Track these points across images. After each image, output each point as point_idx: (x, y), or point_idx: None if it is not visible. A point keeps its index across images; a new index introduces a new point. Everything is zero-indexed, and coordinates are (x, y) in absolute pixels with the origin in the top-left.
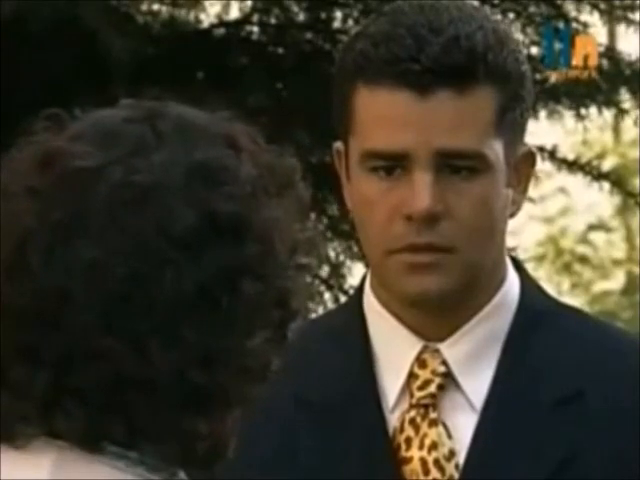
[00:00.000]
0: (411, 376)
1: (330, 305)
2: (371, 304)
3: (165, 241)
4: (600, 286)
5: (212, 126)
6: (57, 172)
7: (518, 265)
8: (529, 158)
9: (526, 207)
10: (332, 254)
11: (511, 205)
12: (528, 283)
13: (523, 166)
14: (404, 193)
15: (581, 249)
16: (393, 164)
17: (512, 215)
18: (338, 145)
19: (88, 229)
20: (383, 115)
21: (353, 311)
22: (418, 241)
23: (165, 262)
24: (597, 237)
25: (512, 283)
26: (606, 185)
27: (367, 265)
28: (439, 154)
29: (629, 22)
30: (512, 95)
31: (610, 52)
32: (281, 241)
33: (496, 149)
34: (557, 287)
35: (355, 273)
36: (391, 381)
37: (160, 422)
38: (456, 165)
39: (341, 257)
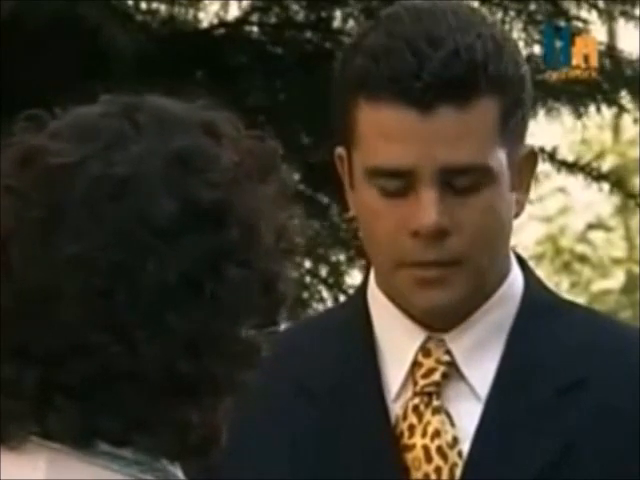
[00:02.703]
0: (415, 365)
1: (330, 304)
2: (375, 297)
3: (146, 231)
4: (599, 285)
5: (191, 115)
6: (35, 170)
7: (521, 261)
8: (531, 158)
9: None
10: (331, 254)
11: (515, 206)
12: (532, 279)
13: (525, 166)
14: (410, 208)
15: (580, 248)
16: (398, 180)
17: (517, 215)
18: (340, 151)
19: (68, 225)
20: (386, 132)
21: (357, 304)
22: (426, 258)
23: (147, 252)
24: (596, 236)
25: (516, 276)
26: (606, 186)
27: (366, 267)
28: (444, 170)
29: (629, 17)
30: (514, 100)
31: (611, 51)
32: (266, 226)
33: (500, 157)
34: (556, 286)
35: (354, 273)
36: (395, 370)
37: (152, 413)
38: (461, 179)
39: (341, 258)
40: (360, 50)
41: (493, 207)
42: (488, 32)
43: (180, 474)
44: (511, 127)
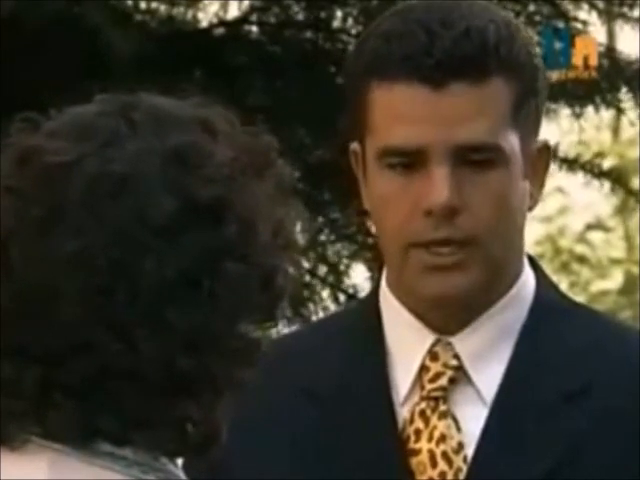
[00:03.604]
0: (423, 369)
1: (329, 304)
2: (386, 298)
3: (145, 229)
4: (598, 285)
5: (186, 112)
6: (34, 170)
7: (533, 262)
8: (545, 152)
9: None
10: (330, 253)
11: (529, 199)
12: (543, 280)
13: (539, 160)
14: (422, 188)
15: (579, 248)
16: (410, 160)
17: (530, 209)
18: (354, 146)
19: (67, 223)
20: (398, 111)
21: (369, 305)
22: (437, 236)
23: (146, 250)
24: (595, 236)
25: (528, 278)
26: (606, 184)
27: (369, 267)
28: (456, 148)
29: (627, 19)
30: (526, 88)
31: (610, 52)
32: (263, 221)
33: (512, 141)
34: None
35: (354, 272)
36: (403, 374)
37: (152, 411)
38: (473, 158)
39: (343, 259)
40: (372, 37)
41: (504, 189)
42: (502, 20)
43: (181, 474)
44: (524, 114)
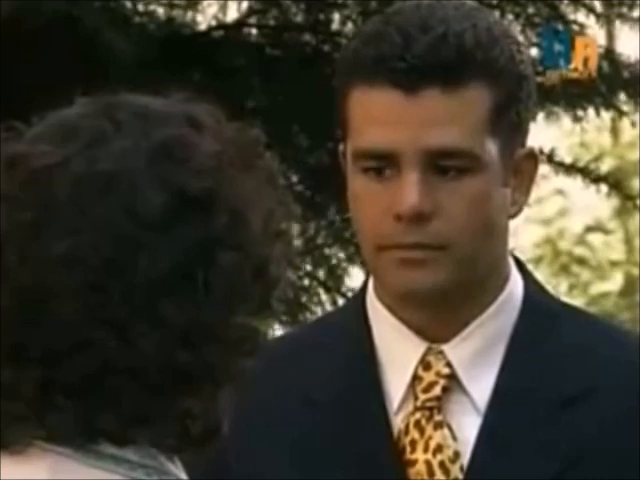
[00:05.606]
0: (415, 378)
1: (328, 307)
2: (374, 306)
3: (135, 225)
4: (598, 288)
5: (171, 109)
6: (21, 174)
7: (521, 265)
8: (531, 159)
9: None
10: (329, 256)
11: (511, 206)
12: (531, 283)
13: (525, 167)
14: (394, 193)
15: (579, 250)
16: (383, 164)
17: (513, 216)
18: (341, 147)
19: (58, 224)
20: (372, 114)
21: (356, 313)
22: (406, 241)
23: (138, 246)
24: (595, 238)
25: (516, 283)
26: (604, 188)
27: (366, 267)
28: (428, 153)
29: (627, 19)
30: (507, 94)
31: (610, 54)
32: (253, 212)
33: (489, 148)
34: (555, 289)
35: (353, 275)
36: (395, 383)
37: (153, 407)
38: (446, 164)
39: (341, 261)
40: (355, 38)
41: (479, 196)
42: (485, 24)
43: (181, 474)
44: (505, 122)
